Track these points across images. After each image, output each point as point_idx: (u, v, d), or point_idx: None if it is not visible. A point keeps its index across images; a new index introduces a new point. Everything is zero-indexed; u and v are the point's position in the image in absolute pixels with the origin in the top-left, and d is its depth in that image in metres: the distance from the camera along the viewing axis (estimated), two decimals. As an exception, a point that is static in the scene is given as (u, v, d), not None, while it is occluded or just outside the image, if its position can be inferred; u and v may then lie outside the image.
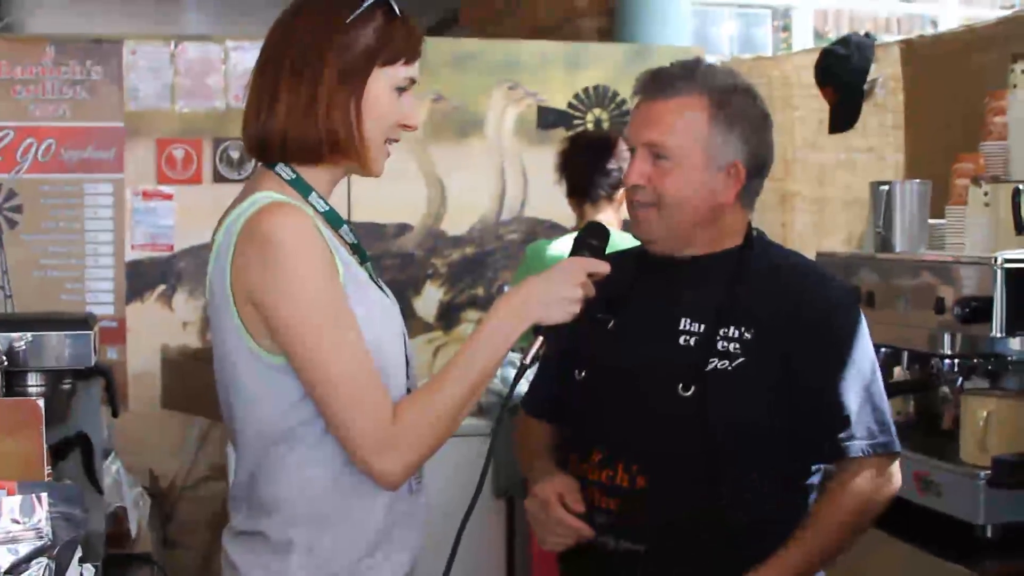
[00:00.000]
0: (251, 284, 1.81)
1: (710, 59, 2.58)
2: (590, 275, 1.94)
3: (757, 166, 2.20)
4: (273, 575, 1.88)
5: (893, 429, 2.19)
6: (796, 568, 2.11)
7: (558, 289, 1.91)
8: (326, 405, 1.82)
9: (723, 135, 2.14)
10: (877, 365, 2.21)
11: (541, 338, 1.93)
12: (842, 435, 2.13)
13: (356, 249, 1.97)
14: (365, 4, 1.88)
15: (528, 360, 1.93)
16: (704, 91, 2.15)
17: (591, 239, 2.02)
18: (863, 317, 2.22)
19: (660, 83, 2.18)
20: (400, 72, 1.91)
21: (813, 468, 2.20)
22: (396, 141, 1.96)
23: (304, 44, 1.88)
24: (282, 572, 1.88)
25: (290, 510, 1.88)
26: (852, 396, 2.14)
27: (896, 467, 2.18)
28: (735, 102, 2.16)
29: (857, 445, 2.13)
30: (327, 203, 1.93)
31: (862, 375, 2.15)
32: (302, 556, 1.87)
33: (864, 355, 2.17)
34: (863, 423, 2.14)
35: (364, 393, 1.81)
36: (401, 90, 1.92)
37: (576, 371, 2.26)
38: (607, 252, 2.04)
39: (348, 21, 1.87)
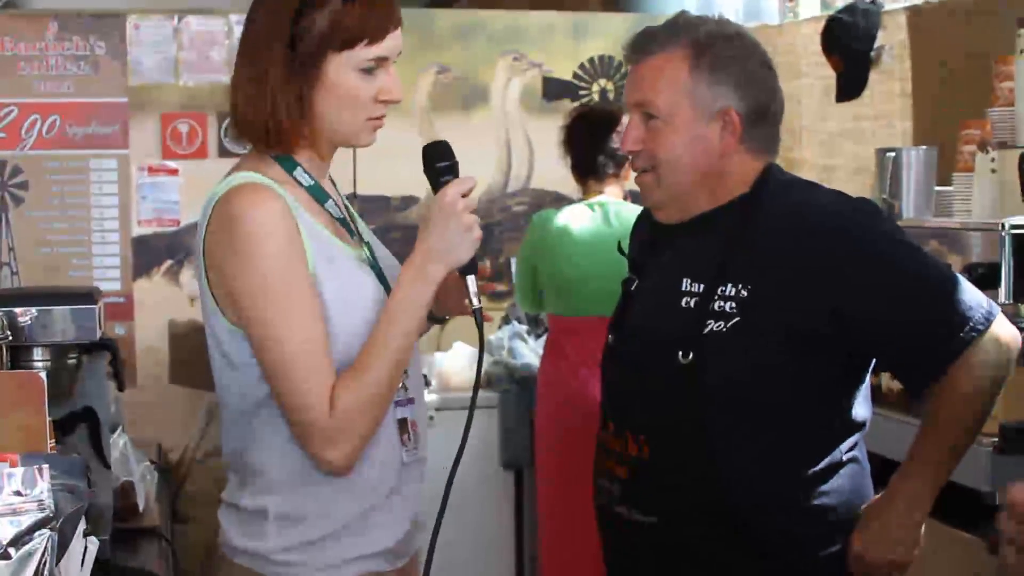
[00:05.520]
0: (217, 260, 1.85)
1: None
2: (464, 195, 1.89)
3: (756, 110, 2.12)
4: (251, 541, 1.91)
5: (980, 302, 2.04)
6: (931, 474, 2.07)
7: (449, 230, 1.87)
8: (273, 389, 1.85)
9: (708, 83, 2.09)
10: (927, 255, 2.10)
11: (470, 277, 1.91)
12: (928, 358, 2.03)
13: (344, 224, 1.97)
14: None
15: (477, 303, 1.90)
16: (683, 42, 2.11)
17: (439, 163, 1.93)
18: (886, 218, 2.10)
19: (642, 43, 2.16)
20: (363, 54, 1.87)
21: (843, 446, 2.10)
22: (382, 116, 1.93)
23: (259, 34, 1.89)
24: (260, 536, 1.90)
25: (267, 478, 1.90)
26: (920, 308, 2.02)
27: (999, 326, 2.04)
28: (717, 48, 2.10)
29: (950, 349, 2.01)
30: (312, 178, 1.94)
31: (913, 282, 2.04)
32: (279, 524, 1.90)
33: (908, 255, 2.06)
34: (944, 327, 2.02)
35: (303, 384, 1.82)
36: (370, 70, 1.88)
37: (609, 336, 2.25)
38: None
39: (299, 9, 1.86)
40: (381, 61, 1.89)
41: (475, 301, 1.91)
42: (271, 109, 1.87)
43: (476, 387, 1.93)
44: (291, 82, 1.86)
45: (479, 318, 1.91)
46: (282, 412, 1.86)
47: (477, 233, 1.89)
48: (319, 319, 1.84)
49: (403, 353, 1.87)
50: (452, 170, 1.92)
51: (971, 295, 2.05)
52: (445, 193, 1.89)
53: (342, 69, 1.87)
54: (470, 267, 1.90)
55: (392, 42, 1.90)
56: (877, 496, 2.13)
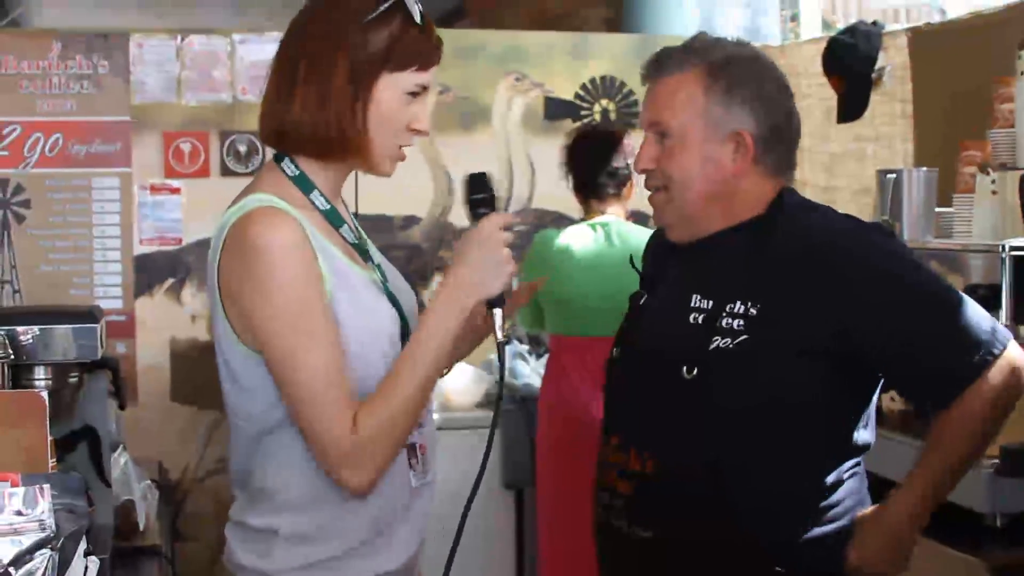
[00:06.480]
0: (232, 286, 1.85)
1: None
2: (503, 228, 1.91)
3: (770, 132, 2.13)
4: (258, 560, 1.91)
5: (994, 325, 2.04)
6: (931, 490, 2.07)
7: (484, 261, 1.89)
8: (292, 412, 1.86)
9: (723, 105, 2.11)
10: (939, 278, 2.11)
11: (498, 311, 1.91)
12: (943, 381, 2.03)
13: (358, 248, 1.97)
14: (382, 7, 1.89)
15: (502, 336, 1.91)
16: (699, 64, 2.12)
17: (480, 194, 1.95)
18: (899, 241, 2.10)
19: (659, 63, 2.17)
20: (411, 79, 1.91)
21: (845, 466, 2.11)
22: (408, 145, 1.96)
23: (321, 39, 1.90)
24: (267, 555, 1.90)
25: (278, 499, 1.90)
26: (935, 330, 2.02)
27: (1013, 351, 2.04)
28: (733, 70, 2.12)
29: (966, 373, 2.01)
30: (328, 201, 1.95)
31: (925, 302, 2.04)
32: (287, 543, 1.90)
33: (921, 277, 2.06)
34: (958, 350, 2.02)
35: (325, 408, 1.82)
36: (413, 95, 1.92)
37: (614, 349, 2.26)
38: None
39: (364, 22, 1.88)
40: (422, 90, 1.93)
41: (500, 335, 1.92)
42: (335, 118, 1.88)
43: (494, 423, 1.95)
44: (350, 94, 1.88)
45: (503, 352, 1.92)
46: (303, 436, 1.86)
47: (511, 268, 1.90)
48: (336, 344, 1.84)
49: (429, 379, 1.88)
50: (488, 202, 1.95)
51: (984, 319, 2.05)
52: (483, 226, 1.91)
53: (392, 89, 1.90)
54: (499, 300, 1.91)
55: (433, 74, 1.94)
56: (874, 507, 2.13)
